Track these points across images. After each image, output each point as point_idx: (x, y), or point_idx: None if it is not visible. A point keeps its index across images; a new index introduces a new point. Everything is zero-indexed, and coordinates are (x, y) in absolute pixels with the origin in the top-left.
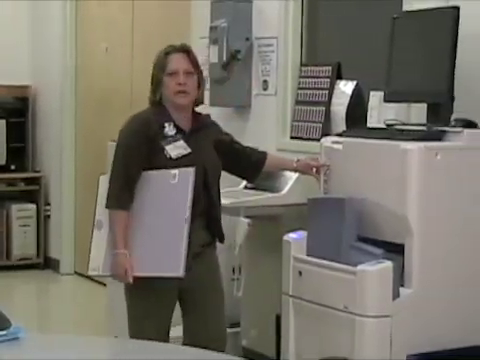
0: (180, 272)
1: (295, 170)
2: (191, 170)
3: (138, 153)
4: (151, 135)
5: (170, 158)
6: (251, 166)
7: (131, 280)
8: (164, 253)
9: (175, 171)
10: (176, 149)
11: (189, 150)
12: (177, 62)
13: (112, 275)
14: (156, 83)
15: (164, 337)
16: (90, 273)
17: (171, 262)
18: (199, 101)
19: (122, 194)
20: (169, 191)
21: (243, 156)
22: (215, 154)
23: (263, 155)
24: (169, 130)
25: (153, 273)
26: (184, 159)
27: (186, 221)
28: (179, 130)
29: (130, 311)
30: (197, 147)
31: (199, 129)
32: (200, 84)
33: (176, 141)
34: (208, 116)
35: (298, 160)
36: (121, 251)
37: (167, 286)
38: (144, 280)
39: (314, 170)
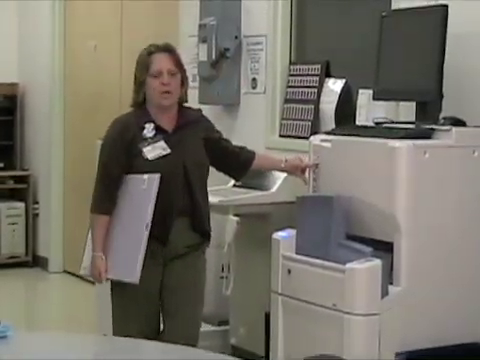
0: (135, 278)
1: (283, 171)
2: (156, 176)
3: (117, 159)
4: (129, 139)
5: (147, 160)
6: (238, 165)
7: (104, 282)
8: (124, 258)
9: (145, 177)
10: (154, 150)
11: (168, 151)
12: (160, 62)
13: (91, 276)
14: (139, 84)
15: (150, 337)
16: (81, 272)
17: (129, 268)
18: (183, 100)
19: (103, 199)
20: (139, 196)
21: (231, 154)
22: (202, 151)
23: (251, 155)
24: (148, 131)
25: (116, 277)
26: (162, 160)
27: (146, 227)
28: (160, 130)
29: (113, 311)
30: (179, 146)
31: (185, 126)
32: (183, 83)
33: (155, 142)
34: (198, 111)
35: (286, 160)
36: (98, 254)
37: (148, 287)
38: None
39: (304, 170)
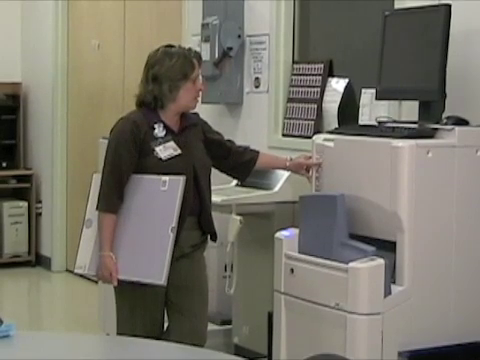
0: (162, 280)
1: (287, 169)
2: (181, 178)
3: (128, 156)
4: (141, 137)
5: (160, 159)
6: (242, 165)
7: (116, 283)
8: (148, 260)
9: (166, 178)
10: (166, 150)
11: (179, 151)
12: (198, 68)
13: (97, 275)
14: (173, 87)
15: (154, 337)
16: (76, 271)
17: (154, 270)
18: None
19: (111, 197)
20: (158, 198)
21: (235, 155)
22: (205, 152)
23: (255, 154)
24: (159, 131)
25: (135, 278)
26: (174, 160)
27: (173, 230)
28: (169, 130)
29: (118, 311)
30: (187, 147)
31: (187, 128)
32: None
33: (166, 142)
34: (196, 114)
35: (291, 159)
36: (107, 253)
37: (155, 287)
38: (131, 281)
39: (308, 169)
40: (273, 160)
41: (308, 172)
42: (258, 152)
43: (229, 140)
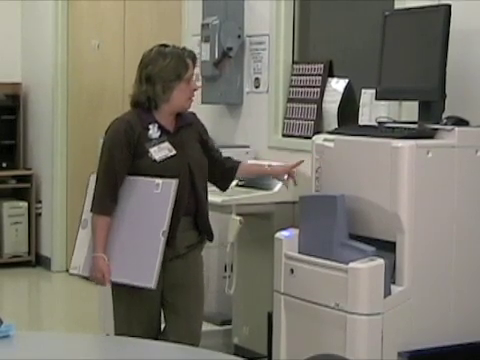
0: (152, 284)
1: (268, 174)
2: (173, 181)
3: (121, 157)
4: (135, 138)
5: (154, 161)
6: (223, 173)
7: (107, 284)
8: (139, 263)
9: (159, 181)
10: (161, 151)
11: (174, 152)
12: (192, 68)
13: (90, 276)
14: (167, 88)
15: (152, 337)
16: (71, 271)
17: (144, 273)
18: None
19: (105, 199)
20: (151, 200)
21: (217, 163)
22: (201, 151)
23: (236, 164)
24: (153, 132)
25: (126, 280)
26: (169, 161)
27: (163, 234)
28: (164, 131)
29: (115, 312)
30: (182, 147)
31: (183, 127)
32: None
33: (161, 143)
34: (192, 114)
35: (269, 165)
36: (99, 255)
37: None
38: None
39: (291, 174)
40: (254, 167)
41: (291, 177)
42: (239, 162)
43: (217, 150)
